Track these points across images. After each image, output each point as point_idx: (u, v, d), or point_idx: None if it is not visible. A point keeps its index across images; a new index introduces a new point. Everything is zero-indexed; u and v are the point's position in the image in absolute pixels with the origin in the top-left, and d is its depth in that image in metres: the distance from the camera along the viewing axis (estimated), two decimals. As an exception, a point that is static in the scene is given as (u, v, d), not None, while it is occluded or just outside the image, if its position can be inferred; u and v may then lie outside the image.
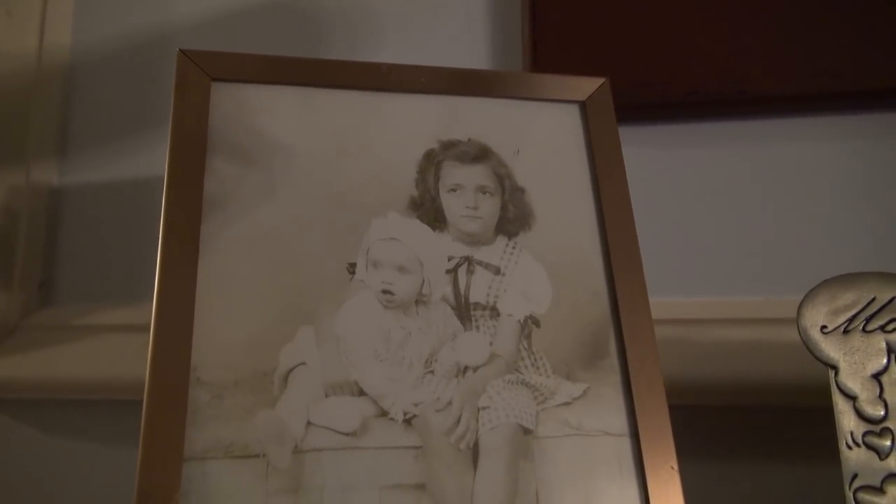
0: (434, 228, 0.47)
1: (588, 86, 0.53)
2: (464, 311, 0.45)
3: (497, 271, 0.47)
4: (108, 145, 0.71)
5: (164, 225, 0.43)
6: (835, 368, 0.41)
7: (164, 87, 0.62)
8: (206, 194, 0.44)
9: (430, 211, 0.47)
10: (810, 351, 0.42)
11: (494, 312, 0.46)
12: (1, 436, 0.65)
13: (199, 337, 0.41)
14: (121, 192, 0.69)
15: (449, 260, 0.46)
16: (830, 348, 0.42)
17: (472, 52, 0.69)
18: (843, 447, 0.40)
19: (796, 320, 0.43)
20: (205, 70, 0.48)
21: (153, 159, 0.67)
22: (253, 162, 0.47)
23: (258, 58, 0.50)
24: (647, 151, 0.64)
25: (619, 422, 0.44)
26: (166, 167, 0.44)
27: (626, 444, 0.43)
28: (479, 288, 0.46)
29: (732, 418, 0.59)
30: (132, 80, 0.72)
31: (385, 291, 0.44)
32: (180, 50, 0.47)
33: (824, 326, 0.42)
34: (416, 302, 0.45)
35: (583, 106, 0.53)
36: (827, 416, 0.41)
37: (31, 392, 0.63)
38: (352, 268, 0.45)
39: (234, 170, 0.46)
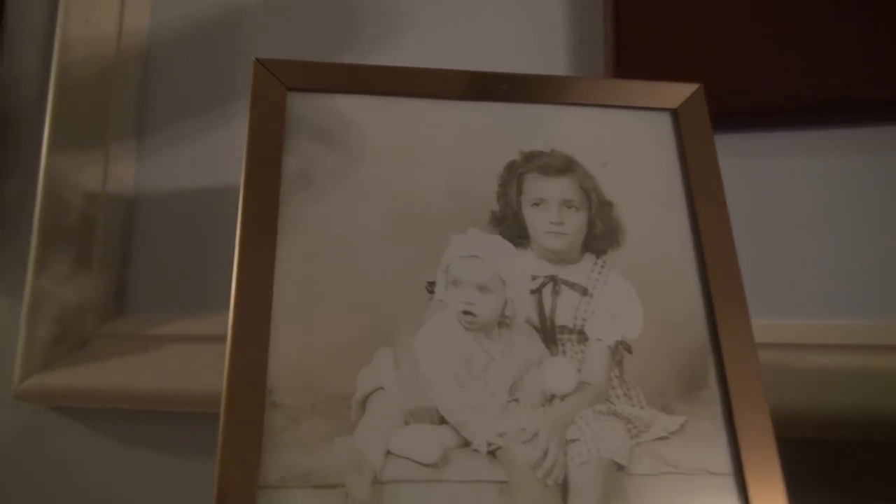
0: (517, 245, 0.44)
1: (681, 92, 0.50)
2: (549, 334, 0.42)
3: (584, 292, 0.44)
4: (184, 132, 0.70)
5: (239, 240, 0.42)
6: (973, 408, 0.37)
7: (238, 74, 0.64)
8: (282, 207, 0.43)
9: (512, 226, 0.45)
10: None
11: (582, 336, 0.42)
12: (77, 444, 0.66)
13: (275, 358, 0.39)
14: (196, 201, 0.69)
15: (533, 279, 0.44)
16: (967, 385, 0.37)
17: (550, 56, 0.66)
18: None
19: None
20: (280, 79, 0.47)
21: (228, 161, 0.67)
22: (329, 173, 0.45)
23: (334, 66, 0.49)
24: (744, 161, 0.60)
25: (722, 459, 0.40)
26: (242, 178, 0.43)
27: (730, 484, 0.39)
28: (566, 310, 0.43)
29: (843, 454, 0.54)
30: (207, 65, 0.72)
31: (466, 312, 0.42)
32: (256, 59, 0.47)
33: (959, 360, 0.38)
34: (499, 324, 0.42)
35: (675, 114, 0.50)
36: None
37: (107, 402, 0.63)
38: (431, 286, 0.43)
39: (311, 182, 0.44)
